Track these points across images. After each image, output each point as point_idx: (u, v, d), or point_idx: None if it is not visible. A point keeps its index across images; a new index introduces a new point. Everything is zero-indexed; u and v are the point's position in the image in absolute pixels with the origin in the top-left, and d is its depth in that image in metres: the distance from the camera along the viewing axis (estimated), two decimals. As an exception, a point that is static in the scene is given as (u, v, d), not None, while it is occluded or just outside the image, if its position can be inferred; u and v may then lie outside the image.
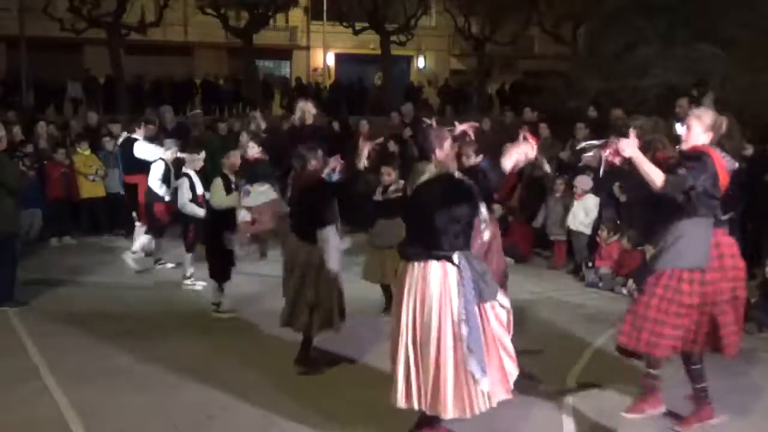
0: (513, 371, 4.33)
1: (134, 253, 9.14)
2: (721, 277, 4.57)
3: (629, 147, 4.44)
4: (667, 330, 4.52)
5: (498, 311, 4.32)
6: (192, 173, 8.18)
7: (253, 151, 8.80)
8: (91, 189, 10.98)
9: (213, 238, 7.24)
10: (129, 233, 10.85)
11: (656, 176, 4.40)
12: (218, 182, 7.32)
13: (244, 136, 9.43)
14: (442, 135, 4.43)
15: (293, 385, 5.46)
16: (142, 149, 9.35)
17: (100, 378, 5.56)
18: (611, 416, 4.92)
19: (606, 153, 4.69)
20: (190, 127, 12.22)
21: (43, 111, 20.24)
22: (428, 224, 4.20)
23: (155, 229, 9.06)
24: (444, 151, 4.36)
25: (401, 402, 4.28)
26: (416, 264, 4.24)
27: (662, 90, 12.04)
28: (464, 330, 4.12)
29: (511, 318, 4.45)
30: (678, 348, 4.64)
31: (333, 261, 5.62)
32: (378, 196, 7.06)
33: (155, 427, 4.80)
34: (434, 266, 4.19)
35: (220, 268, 7.16)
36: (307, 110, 7.67)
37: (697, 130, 4.61)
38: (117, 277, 8.87)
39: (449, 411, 4.15)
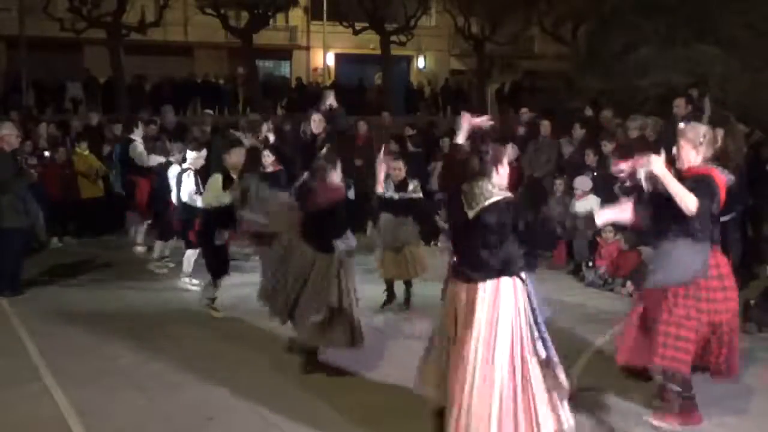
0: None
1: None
2: (725, 297, 4.54)
3: (657, 164, 4.33)
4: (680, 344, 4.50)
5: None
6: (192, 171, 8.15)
7: (269, 160, 8.64)
8: (91, 189, 10.97)
9: (207, 235, 7.24)
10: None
11: (689, 200, 4.25)
12: (217, 180, 7.18)
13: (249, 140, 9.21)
14: (502, 151, 4.14)
15: (293, 386, 5.46)
16: None
17: (100, 378, 5.56)
18: (611, 416, 4.92)
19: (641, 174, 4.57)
20: (188, 127, 12.22)
21: (43, 111, 20.22)
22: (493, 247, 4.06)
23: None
24: (504, 169, 4.11)
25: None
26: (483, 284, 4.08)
27: (662, 90, 12.06)
28: (539, 347, 4.09)
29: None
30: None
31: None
32: (392, 193, 6.87)
33: (155, 428, 4.80)
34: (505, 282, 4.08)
35: (215, 263, 7.25)
36: (311, 119, 7.70)
37: (686, 148, 4.54)
38: (117, 276, 8.88)
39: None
